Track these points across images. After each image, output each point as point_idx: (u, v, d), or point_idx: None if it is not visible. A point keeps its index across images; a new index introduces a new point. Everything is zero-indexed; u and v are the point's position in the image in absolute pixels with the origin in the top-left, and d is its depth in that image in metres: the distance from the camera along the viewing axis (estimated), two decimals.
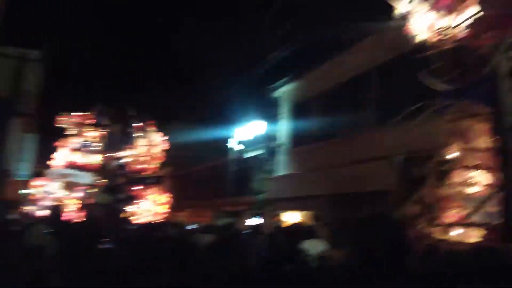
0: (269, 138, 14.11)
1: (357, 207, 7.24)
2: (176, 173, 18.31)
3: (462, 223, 4.32)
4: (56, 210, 8.53)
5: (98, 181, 12.56)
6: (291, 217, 10.94)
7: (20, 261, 4.17)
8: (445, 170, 4.38)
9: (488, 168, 4.21)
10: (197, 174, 20.16)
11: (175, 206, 14.23)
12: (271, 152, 13.61)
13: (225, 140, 17.83)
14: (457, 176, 4.43)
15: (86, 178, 12.48)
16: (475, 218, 4.25)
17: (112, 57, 20.01)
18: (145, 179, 12.95)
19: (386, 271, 1.75)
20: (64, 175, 12.36)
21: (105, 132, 13.15)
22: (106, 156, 12.91)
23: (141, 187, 12.77)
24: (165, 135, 13.74)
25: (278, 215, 11.67)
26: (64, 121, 13.01)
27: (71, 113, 13.15)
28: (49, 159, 12.96)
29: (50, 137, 13.46)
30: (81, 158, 12.67)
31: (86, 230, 5.48)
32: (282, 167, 12.67)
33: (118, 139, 13.16)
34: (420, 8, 4.14)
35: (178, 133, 17.70)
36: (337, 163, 9.23)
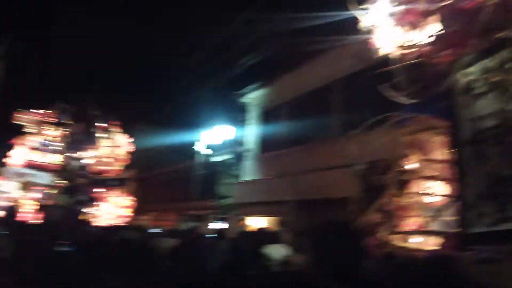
0: (237, 143, 14.12)
1: (322, 213, 7.34)
2: (141, 175, 17.96)
3: (420, 231, 4.48)
4: (11, 210, 8.18)
5: (57, 182, 12.14)
6: (256, 222, 10.96)
7: None
8: (404, 180, 4.54)
9: (445, 179, 4.39)
10: (162, 177, 19.84)
11: (139, 210, 13.95)
12: (239, 157, 13.62)
13: (192, 144, 17.68)
14: (416, 186, 4.60)
15: (45, 178, 12.05)
16: (433, 227, 4.42)
17: (78, 54, 19.45)
18: (107, 181, 12.64)
19: (343, 277, 1.79)
20: (21, 175, 11.88)
21: (67, 131, 12.74)
22: (67, 156, 12.51)
23: (103, 189, 12.45)
24: (130, 136, 13.47)
25: (243, 220, 11.67)
26: (22, 118, 12.51)
27: (31, 110, 12.67)
28: (5, 157, 12.41)
29: (6, 134, 12.88)
30: (40, 158, 12.22)
31: (43, 232, 5.28)
32: (249, 172, 12.69)
33: (80, 139, 12.78)
34: (385, 22, 4.29)
35: (144, 135, 17.39)
36: (303, 170, 9.34)
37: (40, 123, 12.61)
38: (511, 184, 3.53)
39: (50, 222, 9.14)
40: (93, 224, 10.92)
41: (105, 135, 12.97)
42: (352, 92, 8.82)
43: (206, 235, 6.67)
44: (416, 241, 4.43)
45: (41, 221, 9.00)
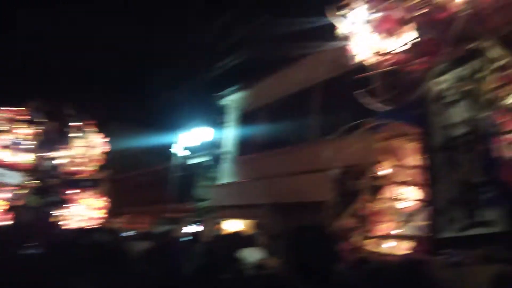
0: (215, 145, 14.06)
1: (297, 217, 7.38)
2: (116, 177, 17.63)
3: (393, 235, 4.56)
4: None
5: (28, 182, 11.79)
6: (233, 225, 10.92)
7: None
8: (377, 185, 4.61)
9: (417, 184, 4.48)
10: (138, 179, 19.53)
11: (113, 212, 13.68)
12: (216, 160, 13.55)
13: (169, 145, 17.49)
14: (389, 191, 4.68)
15: (15, 178, 11.68)
16: (405, 231, 4.50)
17: (53, 51, 18.94)
18: (80, 181, 12.35)
19: (317, 281, 1.80)
20: None
21: (39, 130, 12.39)
22: (39, 156, 12.16)
23: (76, 190, 12.16)
24: (105, 136, 13.21)
25: (219, 223, 11.62)
26: None
27: (1, 108, 12.27)
28: None
29: None
30: (10, 156, 11.84)
31: (11, 233, 5.11)
32: (226, 175, 12.64)
33: (53, 138, 12.44)
34: (362, 29, 4.36)
35: (120, 136, 17.09)
36: (280, 173, 9.39)
37: (12, 120, 12.23)
38: (481, 190, 3.64)
39: (20, 223, 8.86)
40: (65, 226, 10.64)
41: (79, 135, 12.68)
42: (329, 97, 8.93)
43: (181, 238, 6.60)
44: (389, 246, 4.50)
45: (10, 223, 8.72)
